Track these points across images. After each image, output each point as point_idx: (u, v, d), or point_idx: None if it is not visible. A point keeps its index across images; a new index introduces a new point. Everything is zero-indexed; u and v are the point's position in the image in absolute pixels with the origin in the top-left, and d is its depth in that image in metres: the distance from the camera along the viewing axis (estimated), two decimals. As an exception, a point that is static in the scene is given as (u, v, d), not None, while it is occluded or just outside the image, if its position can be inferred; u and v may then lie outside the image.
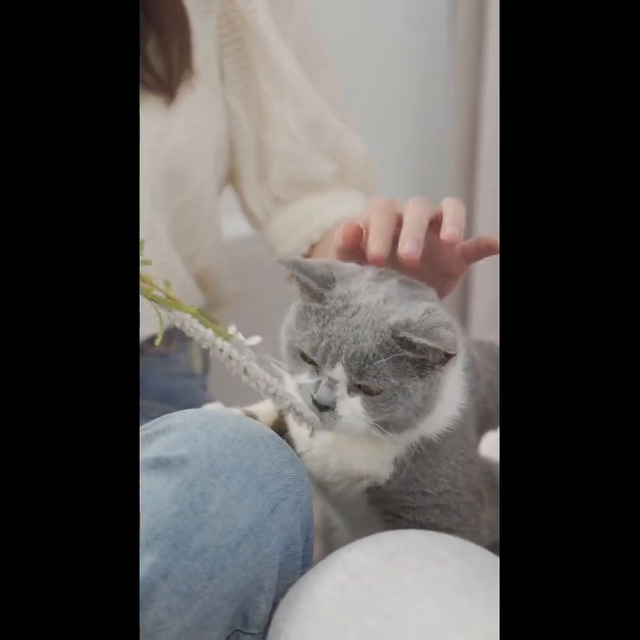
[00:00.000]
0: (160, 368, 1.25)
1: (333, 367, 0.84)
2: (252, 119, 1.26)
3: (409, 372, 0.84)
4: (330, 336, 0.84)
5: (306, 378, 0.86)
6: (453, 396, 0.89)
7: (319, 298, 0.86)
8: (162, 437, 0.84)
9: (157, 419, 0.87)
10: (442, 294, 0.96)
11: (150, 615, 0.80)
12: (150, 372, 1.24)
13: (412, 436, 0.88)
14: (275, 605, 0.85)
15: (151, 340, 1.22)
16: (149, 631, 0.81)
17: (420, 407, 0.85)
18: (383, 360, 0.83)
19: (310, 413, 0.85)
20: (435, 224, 0.90)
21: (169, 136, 1.17)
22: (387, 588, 0.80)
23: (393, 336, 0.83)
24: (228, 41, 1.23)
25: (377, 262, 0.88)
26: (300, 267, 0.86)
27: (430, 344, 0.82)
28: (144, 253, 0.81)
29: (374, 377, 0.83)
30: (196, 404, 1.01)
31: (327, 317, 0.85)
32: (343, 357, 0.83)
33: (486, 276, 1.96)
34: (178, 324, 0.86)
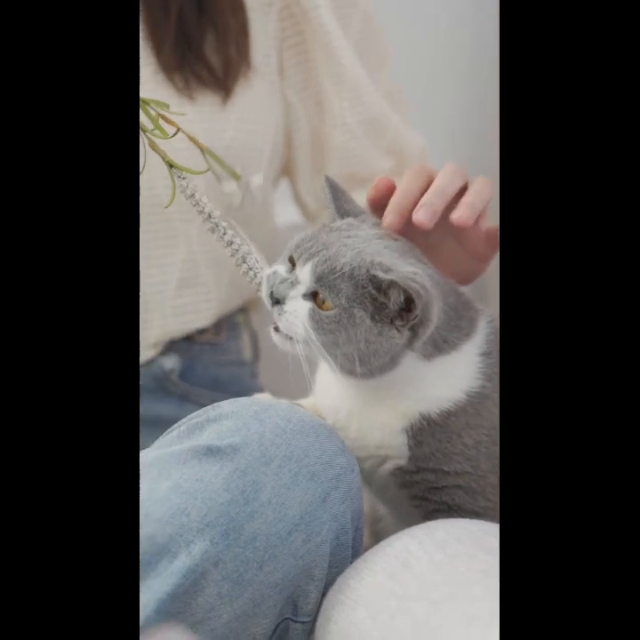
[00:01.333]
0: (210, 356, 1.26)
1: (304, 265, 0.87)
2: (310, 113, 1.26)
3: (365, 306, 0.85)
4: (317, 240, 0.87)
5: (279, 269, 0.89)
6: (454, 380, 0.90)
7: (332, 220, 0.91)
8: (214, 425, 0.85)
9: (208, 406, 0.88)
10: (468, 278, 0.96)
11: (201, 602, 0.81)
12: (200, 360, 1.25)
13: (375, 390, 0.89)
14: (324, 594, 0.86)
15: (201, 331, 1.23)
16: (200, 618, 0.81)
17: (362, 351, 0.85)
18: (347, 281, 0.85)
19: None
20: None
21: (225, 131, 1.17)
22: (437, 577, 0.80)
23: (367, 269, 0.84)
24: (289, 34, 1.23)
25: (390, 230, 0.90)
26: (333, 189, 0.93)
27: (395, 279, 0.83)
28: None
29: (330, 289, 0.85)
30: (245, 391, 1.02)
31: (326, 229, 0.89)
32: (316, 259, 0.86)
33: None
34: (189, 194, 0.90)
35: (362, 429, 0.91)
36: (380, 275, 0.84)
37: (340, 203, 0.93)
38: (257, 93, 1.20)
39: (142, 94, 0.86)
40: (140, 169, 0.87)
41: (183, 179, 0.90)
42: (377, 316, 0.85)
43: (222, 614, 0.82)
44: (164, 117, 0.90)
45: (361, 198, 1.28)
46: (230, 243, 0.91)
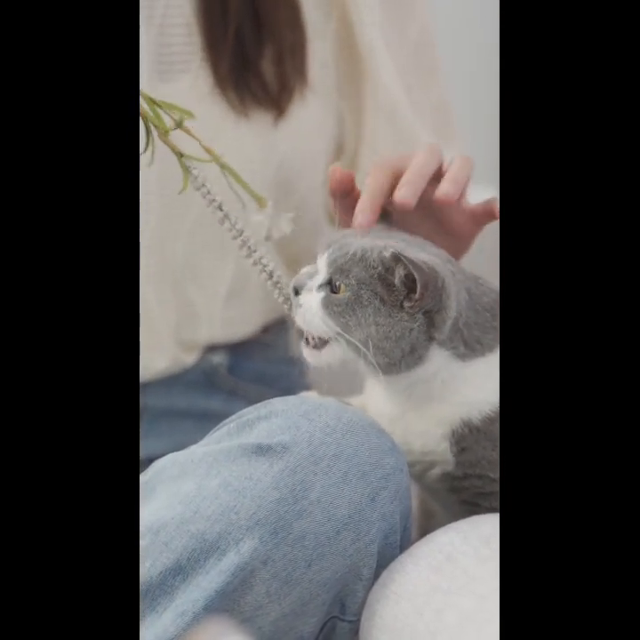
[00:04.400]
0: (258, 353, 1.26)
1: (322, 254, 0.88)
2: (354, 127, 1.25)
3: (374, 288, 0.85)
4: (337, 235, 0.89)
5: (306, 268, 0.90)
6: (492, 384, 0.88)
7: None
8: (263, 423, 0.85)
9: (258, 404, 0.88)
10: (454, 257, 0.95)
11: (249, 600, 0.81)
12: (247, 356, 1.25)
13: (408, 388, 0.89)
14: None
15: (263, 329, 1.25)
16: (248, 616, 0.81)
17: (373, 335, 0.85)
18: (358, 264, 0.85)
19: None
20: (440, 179, 0.90)
21: (279, 147, 1.17)
22: (483, 571, 0.80)
23: (379, 251, 0.85)
24: (344, 44, 1.22)
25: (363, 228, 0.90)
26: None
27: (399, 254, 0.83)
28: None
29: (342, 273, 0.86)
30: (293, 388, 1.02)
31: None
32: (332, 247, 0.87)
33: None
34: (200, 183, 0.89)
35: (405, 435, 0.91)
36: (387, 254, 0.85)
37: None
38: (311, 111, 1.19)
39: (190, 107, 0.87)
40: (182, 189, 0.88)
41: (194, 168, 0.89)
42: (386, 298, 0.85)
43: (270, 612, 0.82)
44: (181, 127, 0.88)
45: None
46: (240, 232, 0.91)
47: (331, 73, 1.22)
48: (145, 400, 1.19)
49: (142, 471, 0.87)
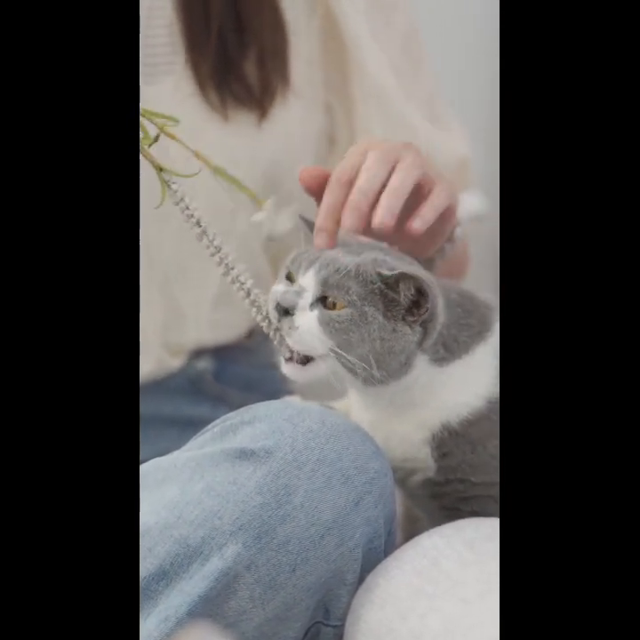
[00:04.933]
0: (243, 358, 1.26)
1: (306, 272, 0.86)
2: (345, 118, 1.25)
3: (376, 304, 0.85)
4: (313, 251, 0.87)
5: (279, 287, 0.88)
6: (471, 387, 0.89)
7: None
8: (247, 428, 0.85)
9: (242, 409, 0.88)
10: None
11: (233, 605, 0.81)
12: (232, 362, 1.25)
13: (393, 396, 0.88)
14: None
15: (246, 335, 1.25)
16: (232, 621, 0.81)
17: (377, 351, 0.85)
18: (354, 280, 0.85)
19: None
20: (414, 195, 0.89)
21: (265, 149, 1.17)
22: (467, 575, 0.80)
23: (372, 266, 0.85)
24: (329, 38, 1.22)
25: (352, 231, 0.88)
26: (310, 226, 0.91)
27: (405, 271, 0.83)
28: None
29: (339, 289, 0.85)
30: (276, 393, 1.01)
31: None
32: (317, 264, 0.86)
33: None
34: (178, 198, 0.88)
35: (387, 441, 0.91)
36: (387, 271, 0.84)
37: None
38: (295, 111, 1.19)
39: (174, 109, 0.86)
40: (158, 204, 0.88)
41: (173, 183, 0.88)
42: (389, 313, 0.85)
43: (254, 617, 0.82)
44: (165, 132, 0.87)
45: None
46: (218, 249, 0.89)
47: (317, 69, 1.22)
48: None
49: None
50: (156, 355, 1.20)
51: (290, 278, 0.88)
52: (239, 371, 1.25)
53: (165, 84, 1.15)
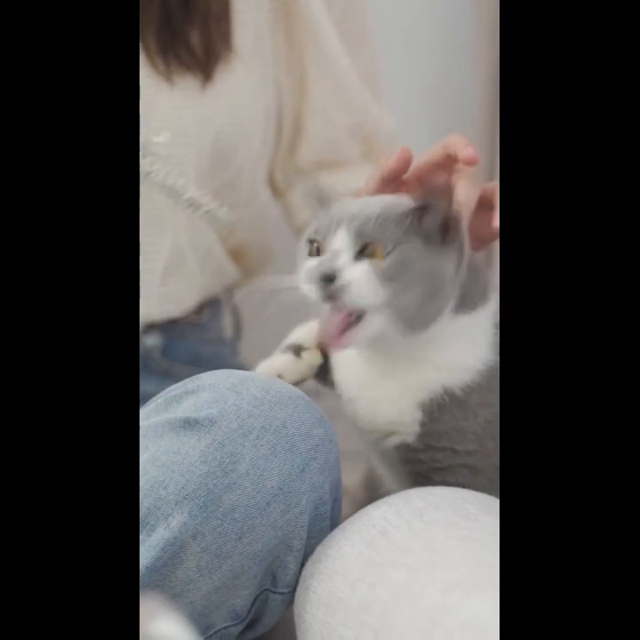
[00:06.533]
0: (191, 334, 1.25)
1: (336, 234, 0.85)
2: (295, 95, 1.25)
3: (414, 237, 0.84)
4: (333, 214, 0.87)
5: (311, 262, 0.86)
6: (475, 348, 0.89)
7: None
8: (191, 398, 0.85)
9: (187, 379, 0.88)
10: None
11: (180, 574, 0.81)
12: (181, 338, 1.25)
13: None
14: (303, 564, 0.86)
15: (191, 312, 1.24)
16: (179, 590, 0.81)
17: (428, 286, 0.84)
18: (386, 222, 0.84)
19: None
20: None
21: (214, 118, 1.17)
22: (415, 544, 0.80)
23: (401, 208, 0.85)
24: (278, 16, 1.22)
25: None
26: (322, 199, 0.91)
27: (429, 198, 0.84)
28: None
29: (377, 234, 0.84)
30: (226, 368, 1.01)
31: (334, 208, 0.89)
32: (346, 221, 0.85)
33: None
34: None
35: (373, 403, 0.90)
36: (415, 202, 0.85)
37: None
38: (240, 78, 1.19)
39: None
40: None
41: None
42: (427, 242, 0.85)
43: (201, 586, 0.82)
44: None
45: (329, 178, 1.28)
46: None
47: (266, 41, 1.22)
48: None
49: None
50: None
51: (318, 252, 0.86)
52: (188, 346, 1.25)
53: None
